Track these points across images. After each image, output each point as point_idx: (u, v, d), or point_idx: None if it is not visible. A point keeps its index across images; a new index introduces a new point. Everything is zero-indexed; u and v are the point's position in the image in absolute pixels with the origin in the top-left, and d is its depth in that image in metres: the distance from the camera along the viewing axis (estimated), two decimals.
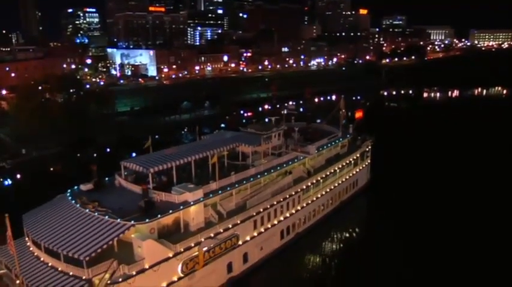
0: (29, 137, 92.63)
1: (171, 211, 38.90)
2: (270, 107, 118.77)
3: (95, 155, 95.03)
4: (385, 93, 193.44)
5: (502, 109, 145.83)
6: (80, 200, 40.20)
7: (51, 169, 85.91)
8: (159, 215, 37.83)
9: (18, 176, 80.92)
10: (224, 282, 44.02)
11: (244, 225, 44.84)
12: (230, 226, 43.02)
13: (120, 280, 34.41)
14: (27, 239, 39.58)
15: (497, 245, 52.08)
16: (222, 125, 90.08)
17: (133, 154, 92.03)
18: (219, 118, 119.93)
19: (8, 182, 78.08)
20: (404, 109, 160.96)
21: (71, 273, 34.22)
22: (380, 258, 48.64)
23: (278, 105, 78.27)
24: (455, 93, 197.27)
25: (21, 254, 37.51)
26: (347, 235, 57.48)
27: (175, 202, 39.94)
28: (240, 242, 44.72)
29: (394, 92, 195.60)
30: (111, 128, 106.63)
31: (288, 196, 51.05)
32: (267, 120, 63.77)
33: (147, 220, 36.92)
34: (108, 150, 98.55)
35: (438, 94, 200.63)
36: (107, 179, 46.62)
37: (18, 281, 36.30)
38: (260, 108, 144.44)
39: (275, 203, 49.10)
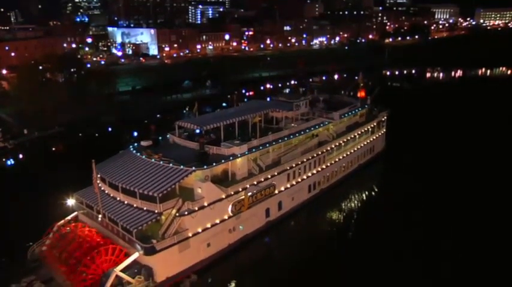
0: (30, 117, 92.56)
1: (223, 161, 47.41)
2: (295, 82, 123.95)
3: (96, 134, 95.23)
4: (388, 73, 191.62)
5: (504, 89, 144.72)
6: (145, 152, 48.51)
7: (53, 148, 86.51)
8: (214, 163, 46.42)
9: (21, 156, 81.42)
10: (263, 224, 52.79)
11: (279, 177, 53.80)
12: (269, 176, 51.56)
13: (186, 213, 43.33)
14: (101, 184, 47.10)
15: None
16: (224, 104, 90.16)
17: (135, 133, 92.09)
18: (220, 97, 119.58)
19: (11, 161, 78.77)
20: (407, 89, 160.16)
21: (145, 208, 42.52)
22: (391, 214, 56.61)
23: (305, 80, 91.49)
24: (459, 73, 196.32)
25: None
26: (365, 192, 66.36)
27: (225, 154, 48.34)
28: (276, 192, 53.65)
29: (396, 72, 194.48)
30: (113, 107, 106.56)
31: (315, 155, 59.27)
32: None
33: (205, 167, 45.46)
34: (110, 129, 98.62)
35: (441, 74, 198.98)
36: (160, 138, 54.33)
37: (100, 216, 44.77)
38: (262, 87, 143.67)
39: (304, 160, 57.37)
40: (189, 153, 48.62)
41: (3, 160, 79.59)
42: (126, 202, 43.96)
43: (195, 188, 45.27)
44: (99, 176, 46.43)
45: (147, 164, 46.19)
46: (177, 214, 42.77)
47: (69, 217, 47.99)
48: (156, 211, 41.91)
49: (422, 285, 42.98)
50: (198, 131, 51.44)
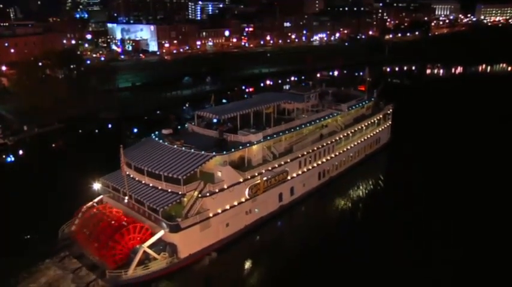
0: (30, 114, 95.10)
1: (240, 147, 51.78)
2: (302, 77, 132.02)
3: (96, 130, 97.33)
4: (388, 69, 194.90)
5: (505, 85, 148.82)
6: (167, 139, 52.81)
7: (53, 145, 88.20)
8: (233, 149, 50.85)
9: (21, 152, 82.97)
10: (276, 208, 57.29)
11: (291, 164, 58.14)
12: (282, 163, 56.06)
13: (208, 194, 47.45)
14: (126, 168, 50.42)
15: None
16: (224, 101, 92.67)
17: (135, 130, 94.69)
18: (220, 93, 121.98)
19: (11, 158, 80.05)
20: (408, 85, 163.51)
21: (169, 190, 46.64)
22: (395, 202, 60.87)
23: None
24: (459, 69, 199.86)
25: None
26: (371, 181, 70.83)
27: (242, 141, 52.69)
28: (289, 178, 57.60)
29: (397, 68, 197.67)
30: (112, 104, 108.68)
31: (324, 144, 63.94)
32: None
33: (224, 152, 49.88)
34: (110, 126, 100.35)
35: (441, 71, 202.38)
36: (179, 127, 58.78)
37: (126, 198, 48.77)
38: (262, 84, 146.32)
39: (315, 149, 62.08)
40: (208, 140, 52.96)
41: (3, 156, 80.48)
42: (151, 185, 48.16)
43: (215, 172, 49.63)
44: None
45: (170, 150, 50.55)
46: (199, 195, 47.01)
47: (95, 200, 52.27)
48: (180, 193, 46.04)
49: (427, 271, 45.62)
50: (215, 120, 56.57)
